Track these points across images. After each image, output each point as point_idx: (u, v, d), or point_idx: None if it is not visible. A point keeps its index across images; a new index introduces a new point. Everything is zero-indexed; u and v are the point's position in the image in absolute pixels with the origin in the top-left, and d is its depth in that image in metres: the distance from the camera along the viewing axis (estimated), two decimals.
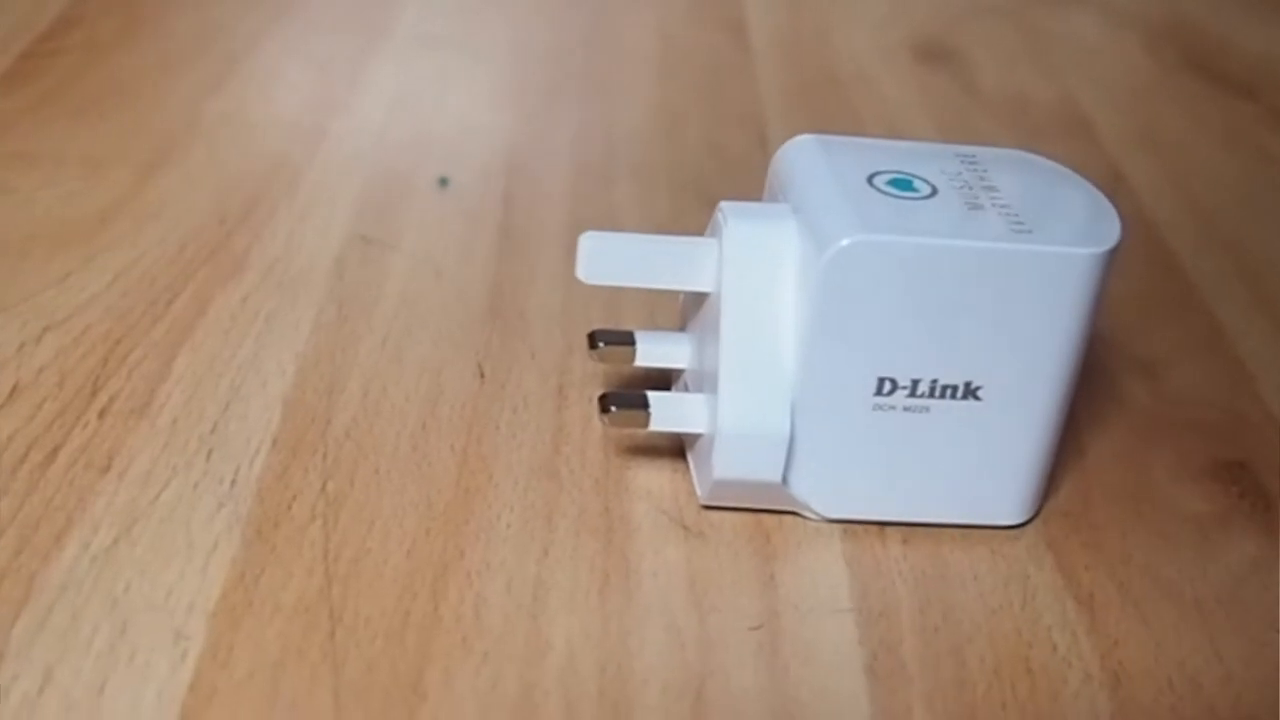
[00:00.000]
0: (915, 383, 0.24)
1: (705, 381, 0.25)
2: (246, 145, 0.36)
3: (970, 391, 0.24)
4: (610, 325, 0.28)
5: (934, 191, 0.25)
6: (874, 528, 0.26)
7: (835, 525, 0.26)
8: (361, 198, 0.34)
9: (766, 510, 0.26)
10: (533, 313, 0.31)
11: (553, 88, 0.42)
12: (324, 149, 0.36)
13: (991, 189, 0.25)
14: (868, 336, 0.24)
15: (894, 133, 0.41)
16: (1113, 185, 0.40)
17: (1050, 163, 0.26)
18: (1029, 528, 0.26)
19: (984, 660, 0.23)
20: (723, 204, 0.25)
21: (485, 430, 0.27)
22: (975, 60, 0.47)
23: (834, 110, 0.42)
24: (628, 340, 0.27)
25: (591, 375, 0.29)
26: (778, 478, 0.25)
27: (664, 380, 0.28)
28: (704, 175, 0.37)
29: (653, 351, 0.26)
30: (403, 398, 0.27)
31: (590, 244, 0.25)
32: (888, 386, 0.24)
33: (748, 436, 0.24)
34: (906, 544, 0.25)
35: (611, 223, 0.34)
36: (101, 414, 0.26)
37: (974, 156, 0.26)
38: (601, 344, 0.26)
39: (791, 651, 0.23)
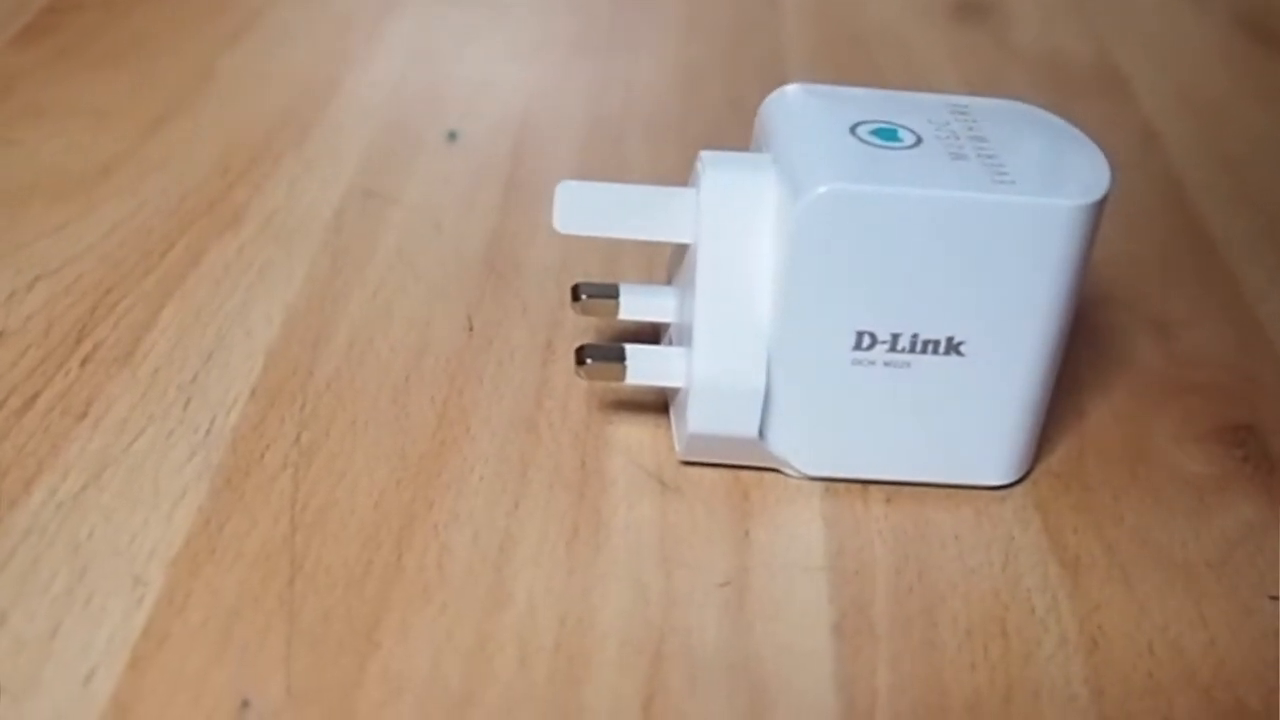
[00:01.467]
0: (895, 337, 0.24)
1: (685, 335, 0.25)
2: (257, 98, 0.36)
3: (953, 347, 0.24)
4: (609, 280, 0.28)
5: (918, 141, 0.24)
6: (857, 486, 0.25)
7: (817, 483, 0.25)
8: (368, 151, 0.34)
9: (747, 467, 0.25)
10: (529, 267, 0.30)
11: (575, 42, 0.41)
12: (335, 102, 0.36)
13: (980, 139, 0.24)
14: (844, 289, 0.23)
15: (921, 89, 0.40)
16: (1144, 144, 0.39)
17: (1046, 114, 0.26)
18: (1018, 488, 0.26)
19: (957, 621, 0.23)
20: (702, 153, 0.25)
21: (468, 383, 0.27)
22: (1014, 15, 0.46)
23: (858, 67, 0.42)
24: (611, 293, 0.26)
25: (582, 329, 0.28)
26: (753, 433, 0.24)
27: (656, 335, 0.28)
28: (719, 131, 0.37)
29: (636, 304, 0.26)
30: (388, 350, 0.27)
31: (566, 194, 0.25)
32: (867, 341, 0.24)
33: (722, 390, 0.24)
34: (890, 503, 0.25)
35: (618, 176, 0.34)
36: (84, 362, 0.26)
37: (966, 107, 0.25)
38: (584, 296, 0.26)
39: (758, 609, 0.22)
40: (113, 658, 0.20)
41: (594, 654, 0.21)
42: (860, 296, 0.23)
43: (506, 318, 0.29)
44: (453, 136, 0.35)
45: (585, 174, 0.34)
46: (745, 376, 0.24)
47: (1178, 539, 0.25)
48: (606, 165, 0.35)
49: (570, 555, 0.23)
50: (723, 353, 0.24)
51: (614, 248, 0.31)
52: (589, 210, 0.25)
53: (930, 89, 0.40)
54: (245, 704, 0.20)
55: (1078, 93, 0.41)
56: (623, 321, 0.27)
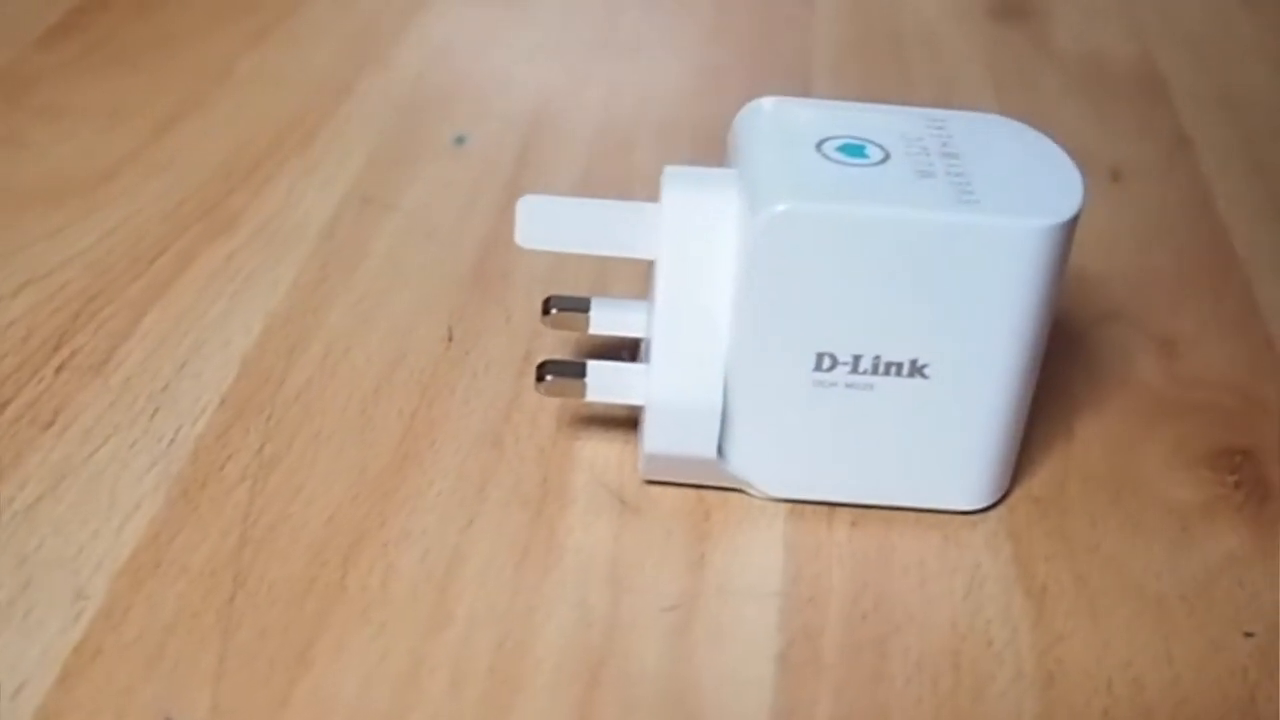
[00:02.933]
0: (857, 359, 0.23)
1: (649, 352, 0.24)
2: (271, 100, 0.36)
3: (917, 370, 0.23)
4: (597, 293, 0.28)
5: (885, 158, 0.23)
6: (823, 509, 0.25)
7: (782, 505, 0.25)
8: (373, 155, 0.34)
9: (711, 487, 0.25)
10: (518, 277, 0.30)
11: (597, 44, 0.41)
12: (346, 105, 0.36)
13: (951, 156, 0.24)
14: (803, 309, 0.23)
15: (948, 91, 0.40)
16: (1175, 150, 0.38)
17: (1028, 129, 0.25)
18: (992, 514, 0.25)
19: (908, 652, 0.22)
20: (666, 168, 0.24)
21: (439, 395, 0.26)
22: (1056, 16, 0.45)
23: (886, 69, 0.41)
24: (583, 307, 0.26)
25: (563, 343, 0.28)
26: (711, 453, 0.24)
27: (636, 351, 0.27)
28: None
29: (606, 319, 0.26)
30: (364, 360, 0.27)
31: (529, 208, 0.24)
32: (827, 362, 0.23)
33: (679, 409, 0.23)
34: (855, 527, 0.24)
35: (624, 182, 0.34)
36: (59, 370, 0.26)
37: (944, 121, 0.25)
38: (554, 310, 0.26)
39: (702, 635, 0.22)
40: (44, 672, 0.20)
41: (528, 678, 0.21)
42: (820, 317, 0.23)
43: (488, 329, 0.28)
44: (460, 141, 0.35)
45: (590, 181, 0.34)
46: (702, 396, 0.23)
47: (1153, 570, 0.24)
48: (613, 172, 0.34)
49: (517, 575, 0.23)
50: (680, 372, 0.23)
51: (606, 259, 0.30)
52: (551, 225, 0.24)
53: (959, 91, 0.39)
54: None
55: (1112, 95, 0.40)
56: (607, 336, 0.27)
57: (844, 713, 0.21)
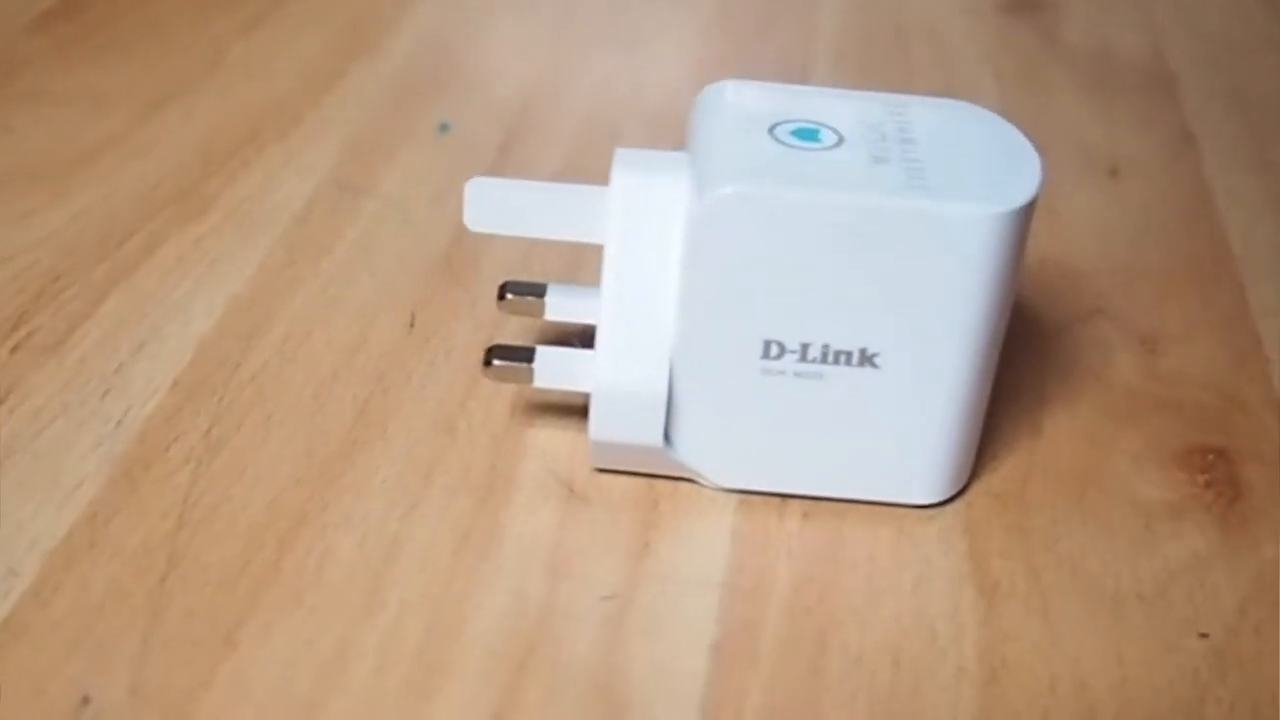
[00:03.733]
0: (805, 347, 0.23)
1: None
2: (257, 88, 0.36)
3: (867, 359, 0.23)
4: (570, 280, 0.27)
5: (839, 142, 0.23)
6: (775, 501, 0.24)
7: (734, 496, 0.24)
8: (355, 142, 0.34)
9: (665, 477, 0.24)
10: (489, 264, 0.30)
11: (595, 34, 0.41)
12: (334, 92, 0.36)
13: (908, 141, 0.23)
14: (749, 295, 0.22)
15: (948, 85, 0.39)
16: (1179, 146, 0.37)
17: (993, 116, 0.24)
18: (949, 508, 0.24)
19: (848, 647, 0.22)
20: (618, 151, 0.24)
21: (395, 381, 0.26)
22: (1068, 10, 0.45)
23: (887, 62, 0.40)
24: (539, 293, 0.25)
25: (526, 329, 0.28)
26: (657, 441, 0.23)
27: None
28: None
29: (562, 305, 0.25)
30: (323, 344, 0.27)
31: (476, 190, 0.24)
32: (775, 350, 0.23)
33: (624, 396, 0.23)
34: (806, 519, 0.24)
35: (604, 173, 0.33)
36: (15, 350, 0.26)
37: (905, 106, 0.24)
38: (509, 295, 0.25)
39: (638, 624, 0.22)
40: None
41: (454, 665, 0.21)
42: (766, 303, 0.22)
43: (452, 315, 0.28)
44: (444, 129, 0.35)
45: (571, 170, 0.34)
46: (647, 383, 0.23)
47: (1112, 569, 0.23)
48: (596, 162, 0.34)
49: (455, 562, 0.22)
50: (625, 358, 0.23)
51: (580, 246, 0.30)
52: (499, 208, 0.24)
53: (960, 84, 0.38)
54: (85, 700, 0.20)
55: (1119, 91, 0.40)
56: (572, 324, 0.26)
57: (773, 707, 0.21)
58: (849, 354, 0.23)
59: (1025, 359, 0.28)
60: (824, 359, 0.23)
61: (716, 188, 0.22)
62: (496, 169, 0.33)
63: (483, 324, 0.28)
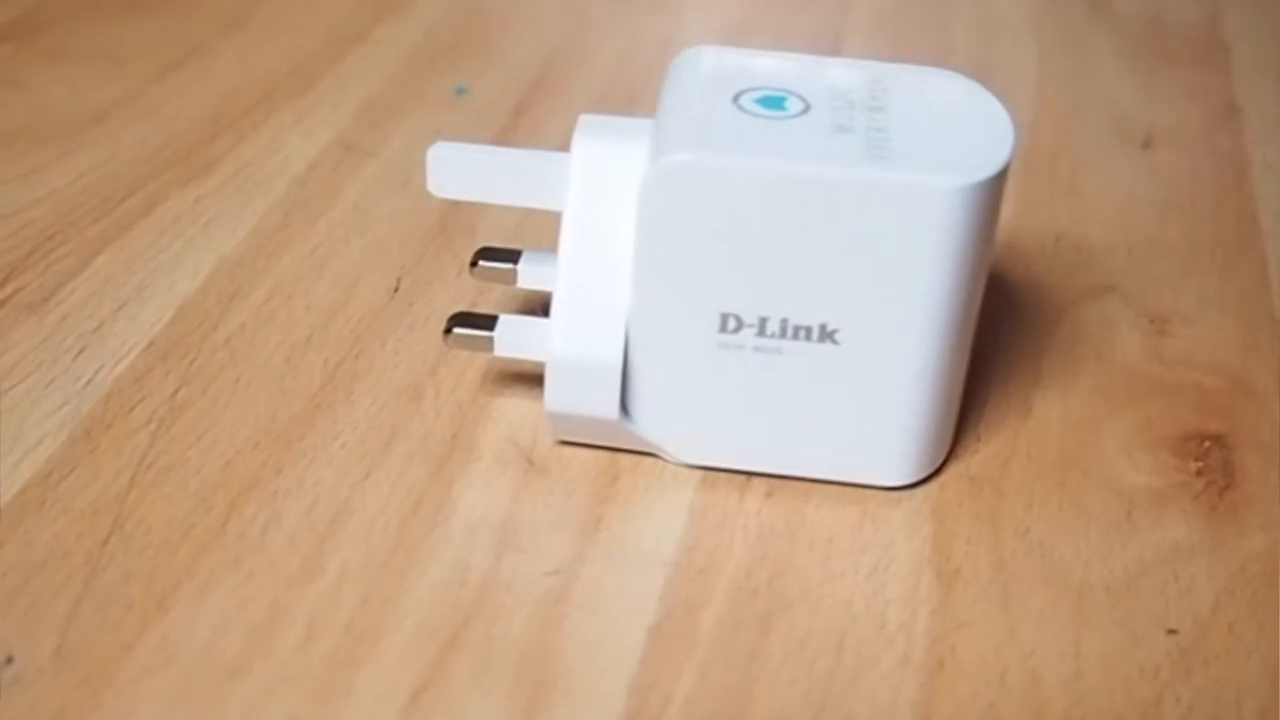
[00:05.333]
0: (763, 321, 0.22)
1: None
2: (278, 49, 0.36)
3: (827, 335, 0.22)
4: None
5: (805, 110, 0.22)
6: (739, 479, 0.24)
7: (697, 473, 0.24)
8: (369, 104, 0.34)
9: (628, 451, 0.24)
10: (483, 229, 0.29)
11: (623, 0, 0.40)
12: (353, 55, 0.36)
13: (877, 110, 0.22)
14: (703, 267, 0.22)
15: (986, 54, 0.38)
16: (1221, 118, 0.35)
17: (974, 85, 0.23)
18: (920, 491, 0.24)
19: (793, 631, 0.21)
20: (582, 116, 0.23)
21: (369, 346, 0.26)
22: None
23: (925, 30, 0.39)
24: (512, 260, 0.25)
25: (511, 297, 0.27)
26: (612, 413, 0.23)
27: None
28: None
29: (533, 273, 0.25)
30: (304, 308, 0.27)
31: (439, 154, 0.24)
32: (732, 323, 0.22)
33: (578, 367, 0.23)
34: (769, 498, 0.23)
35: None
36: None
37: (885, 75, 0.24)
38: (480, 262, 0.25)
39: (578, 601, 0.21)
40: None
41: (384, 636, 0.21)
42: (721, 275, 0.22)
43: (438, 280, 0.28)
44: (461, 92, 0.34)
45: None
46: (602, 353, 0.22)
47: (1083, 558, 0.23)
48: None
49: (401, 531, 0.22)
50: (579, 328, 0.23)
51: None
52: (462, 174, 0.24)
53: (998, 51, 0.37)
54: (9, 660, 0.20)
55: (1165, 60, 0.38)
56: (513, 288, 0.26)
57: (705, 691, 0.20)
58: (808, 329, 0.22)
59: (1024, 338, 0.27)
60: (783, 334, 0.22)
61: (667, 155, 0.21)
62: (507, 133, 0.33)
63: (466, 292, 0.28)
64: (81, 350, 0.25)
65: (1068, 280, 0.29)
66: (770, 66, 0.23)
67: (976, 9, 0.41)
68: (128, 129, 0.32)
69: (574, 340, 0.23)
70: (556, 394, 0.23)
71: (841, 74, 0.23)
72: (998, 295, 0.28)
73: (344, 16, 0.38)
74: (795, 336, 0.22)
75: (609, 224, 0.23)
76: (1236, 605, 0.22)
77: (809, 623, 0.21)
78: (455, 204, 0.30)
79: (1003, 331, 0.27)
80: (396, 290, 0.27)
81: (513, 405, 0.25)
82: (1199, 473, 0.24)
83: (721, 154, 0.21)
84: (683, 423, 0.23)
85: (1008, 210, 0.31)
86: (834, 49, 0.37)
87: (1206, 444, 0.25)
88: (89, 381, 0.25)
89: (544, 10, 0.39)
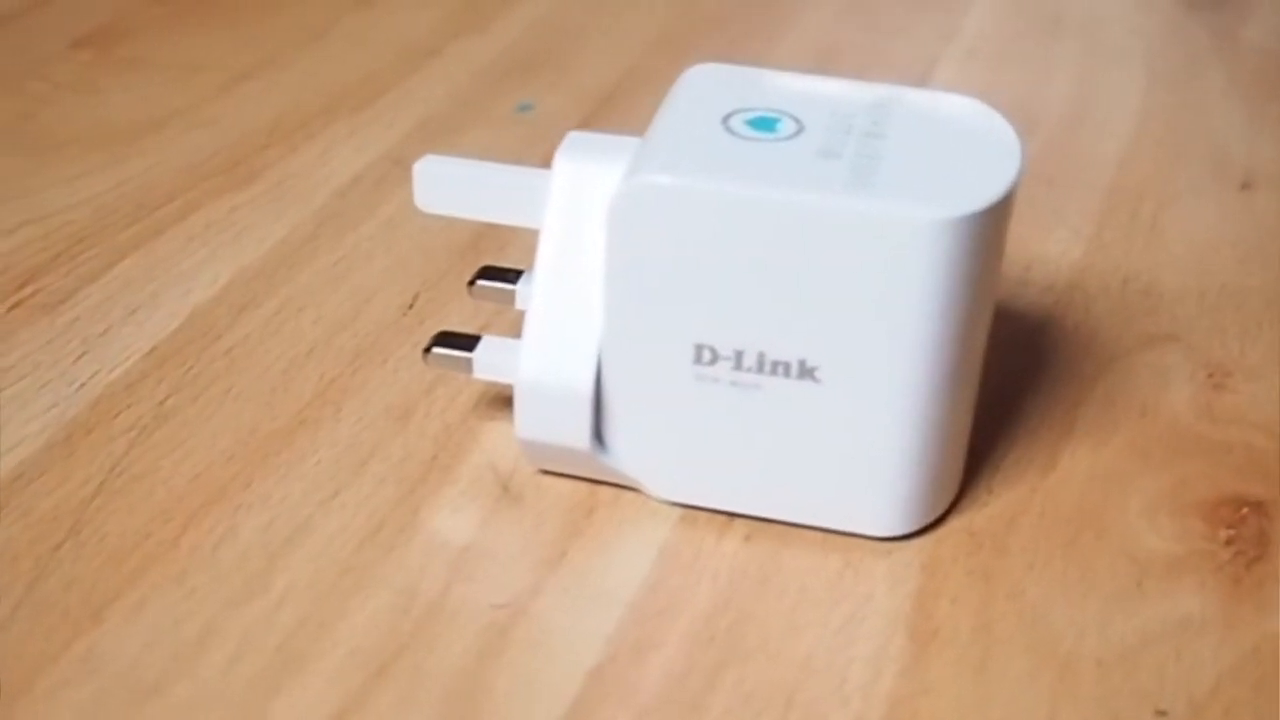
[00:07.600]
0: (739, 354, 0.21)
1: None
2: (350, 63, 0.36)
3: (806, 371, 0.21)
4: None
5: (796, 133, 0.21)
6: (720, 519, 0.22)
7: (677, 510, 0.23)
8: (429, 120, 0.33)
9: (610, 484, 0.23)
10: (515, 247, 0.29)
11: (711, 24, 0.39)
12: (425, 69, 0.35)
13: (876, 136, 0.21)
14: (675, 295, 0.21)
15: (1085, 84, 0.36)
16: None
17: (990, 111, 0.22)
18: (913, 543, 0.22)
19: (741, 683, 0.20)
20: (569, 134, 0.22)
21: (369, 362, 0.25)
22: (1254, 7, 0.41)
23: (1024, 59, 0.38)
24: (512, 279, 0.24)
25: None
26: (584, 444, 0.22)
27: None
28: None
29: (530, 294, 0.24)
30: (312, 321, 0.26)
31: (426, 169, 0.23)
32: (707, 355, 0.21)
33: (546, 394, 0.22)
34: (748, 540, 0.22)
35: None
36: (14, 307, 0.26)
37: (895, 99, 0.22)
38: (477, 283, 0.24)
39: (522, 637, 0.20)
40: None
41: (313, 661, 0.20)
42: (693, 304, 0.21)
43: (455, 299, 0.27)
44: (524, 108, 0.34)
45: None
46: (570, 379, 0.21)
47: (1078, 627, 0.21)
48: None
49: (356, 554, 0.22)
50: (550, 352, 0.22)
51: None
52: (447, 189, 0.23)
53: (1100, 84, 0.35)
54: None
55: (1271, 97, 0.36)
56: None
57: None
58: (786, 365, 0.21)
59: (1064, 387, 0.26)
60: (760, 369, 0.21)
61: (635, 176, 0.20)
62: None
63: (482, 311, 0.27)
64: (83, 354, 0.25)
65: (1127, 326, 0.27)
66: (774, 87, 0.22)
67: (1088, 38, 0.39)
68: (183, 137, 0.32)
69: (544, 364, 0.22)
70: (526, 420, 0.22)
71: (849, 96, 0.22)
72: (1045, 339, 0.27)
73: (422, 32, 0.37)
74: (774, 372, 0.21)
75: (586, 245, 0.22)
76: (1239, 688, 0.20)
77: (760, 675, 0.20)
78: (490, 223, 0.29)
79: (1043, 378, 0.26)
80: (411, 307, 0.27)
81: (501, 430, 0.24)
82: (1229, 541, 0.22)
83: (689, 177, 0.20)
84: (661, 457, 0.22)
85: (1076, 249, 0.30)
86: (923, 79, 0.36)
87: (1244, 510, 0.23)
88: (82, 385, 0.25)
89: (627, 30, 0.38)
